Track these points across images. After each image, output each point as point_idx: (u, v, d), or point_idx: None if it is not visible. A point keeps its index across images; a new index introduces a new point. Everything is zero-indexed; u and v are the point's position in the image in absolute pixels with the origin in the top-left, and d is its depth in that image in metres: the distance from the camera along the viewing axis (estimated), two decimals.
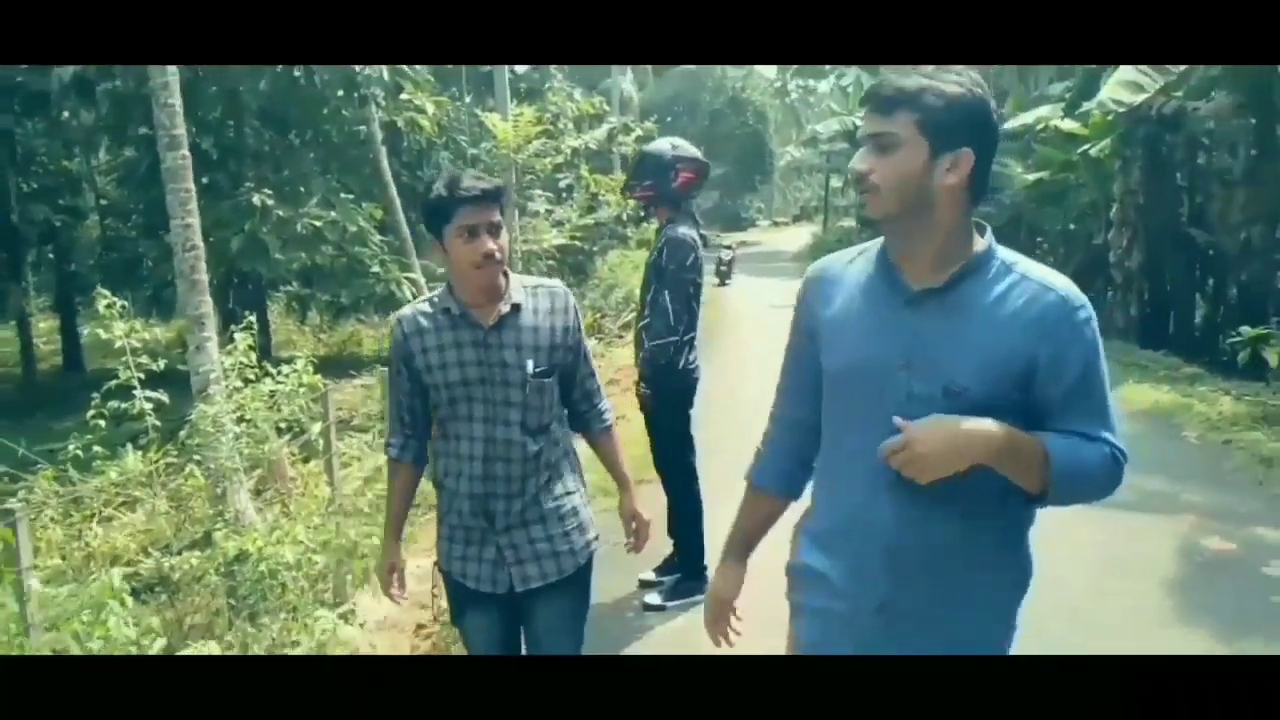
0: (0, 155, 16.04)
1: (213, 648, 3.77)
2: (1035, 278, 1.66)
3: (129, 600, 3.75)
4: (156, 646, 3.62)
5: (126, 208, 17.29)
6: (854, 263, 1.82)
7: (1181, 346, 12.37)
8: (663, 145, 4.40)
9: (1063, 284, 1.66)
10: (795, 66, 56.65)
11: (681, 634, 3.99)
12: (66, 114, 16.62)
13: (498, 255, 2.30)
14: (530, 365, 2.38)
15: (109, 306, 5.22)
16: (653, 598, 4.24)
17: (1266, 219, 11.39)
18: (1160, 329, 13.38)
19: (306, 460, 6.45)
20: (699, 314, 4.25)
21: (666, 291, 4.11)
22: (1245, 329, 8.74)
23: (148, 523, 5.67)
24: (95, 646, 3.41)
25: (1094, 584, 4.38)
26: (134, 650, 3.48)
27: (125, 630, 3.52)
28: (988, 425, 1.58)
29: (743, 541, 2.00)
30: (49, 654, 3.37)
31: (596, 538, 2.59)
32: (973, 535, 1.69)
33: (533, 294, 2.44)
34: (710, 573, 4.23)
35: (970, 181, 1.65)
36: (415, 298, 14.58)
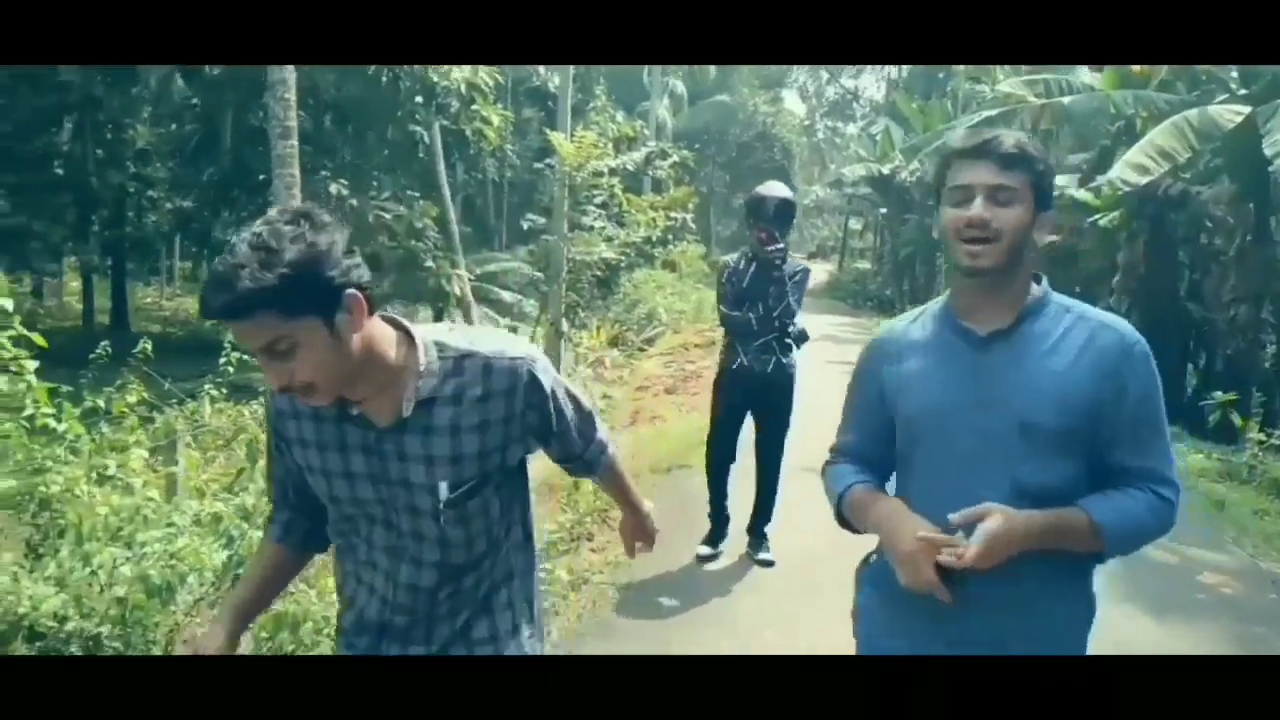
0: (82, 123, 17.16)
1: None
2: (1092, 317, 1.79)
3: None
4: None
5: (184, 181, 18.38)
6: (915, 322, 1.94)
7: (1171, 411, 13.27)
8: (787, 190, 5.06)
9: (1119, 322, 1.79)
10: (826, 106, 57.99)
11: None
12: (136, 89, 17.78)
13: (292, 384, 1.52)
14: (444, 487, 1.67)
15: None
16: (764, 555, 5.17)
17: (1253, 299, 12.39)
18: None
19: None
20: None
21: (795, 303, 4.92)
22: (1218, 394, 9.72)
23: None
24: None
25: None
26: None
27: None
28: (1028, 521, 1.67)
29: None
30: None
31: None
32: (1037, 574, 1.73)
33: (458, 374, 1.66)
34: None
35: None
36: (460, 294, 15.61)
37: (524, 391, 1.69)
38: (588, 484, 5.91)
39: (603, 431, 1.98)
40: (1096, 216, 15.06)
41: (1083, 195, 14.56)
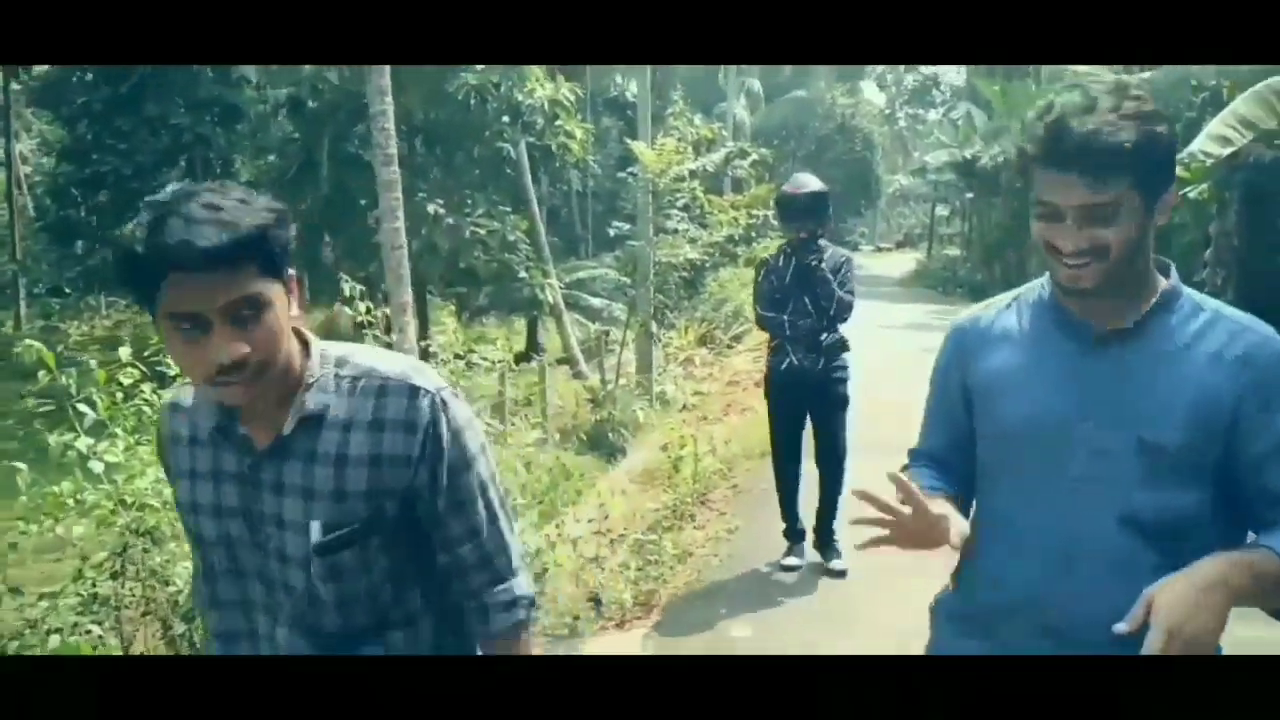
0: (193, 161, 18.37)
1: None
2: (1231, 315, 1.48)
3: None
4: None
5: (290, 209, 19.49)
6: (1009, 309, 1.64)
7: None
8: (817, 181, 4.92)
9: (1261, 323, 1.48)
10: (905, 95, 57.41)
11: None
12: (241, 125, 18.90)
13: (248, 360, 1.26)
14: (316, 528, 1.37)
15: (352, 289, 6.73)
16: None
17: None
18: None
19: None
20: None
21: (848, 294, 4.76)
22: None
23: None
24: None
25: None
26: None
27: None
28: (1216, 564, 1.35)
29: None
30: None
31: None
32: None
33: (351, 394, 1.39)
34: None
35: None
36: (553, 302, 16.21)
37: (425, 426, 1.38)
38: (686, 468, 6.32)
39: (520, 576, 1.50)
40: (1187, 189, 14.85)
41: None
